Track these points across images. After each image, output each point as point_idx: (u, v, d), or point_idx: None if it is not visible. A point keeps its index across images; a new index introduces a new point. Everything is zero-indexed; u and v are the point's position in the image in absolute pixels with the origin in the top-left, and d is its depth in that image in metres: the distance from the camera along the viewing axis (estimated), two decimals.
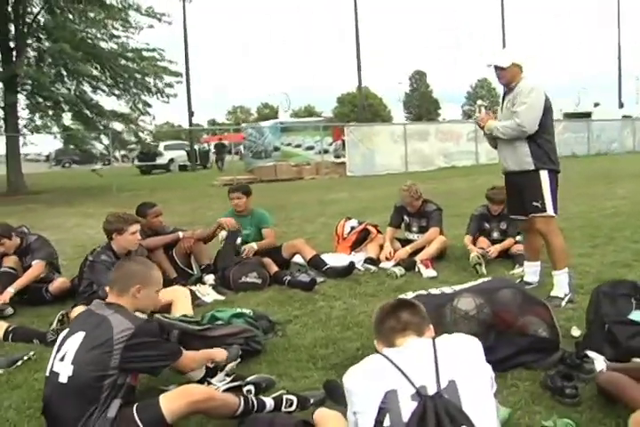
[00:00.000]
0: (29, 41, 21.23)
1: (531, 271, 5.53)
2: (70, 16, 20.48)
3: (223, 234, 6.44)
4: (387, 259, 6.70)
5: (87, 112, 21.88)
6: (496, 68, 5.09)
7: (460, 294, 3.72)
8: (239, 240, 6.49)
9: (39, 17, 21.01)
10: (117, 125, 23.12)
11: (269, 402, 3.20)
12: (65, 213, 14.60)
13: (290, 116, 34.31)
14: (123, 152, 38.60)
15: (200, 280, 6.06)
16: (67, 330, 3.05)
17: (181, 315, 4.59)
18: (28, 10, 20.98)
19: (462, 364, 2.25)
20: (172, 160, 34.92)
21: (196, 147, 37.12)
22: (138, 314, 3.41)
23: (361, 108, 39.09)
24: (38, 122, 21.81)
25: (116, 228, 5.12)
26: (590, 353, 3.64)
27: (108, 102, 27.75)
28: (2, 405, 3.61)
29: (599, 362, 3.53)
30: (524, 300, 3.86)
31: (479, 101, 5.68)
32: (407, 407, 2.09)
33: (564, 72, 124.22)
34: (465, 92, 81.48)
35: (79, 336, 2.89)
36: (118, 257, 5.10)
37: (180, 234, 6.16)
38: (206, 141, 49.51)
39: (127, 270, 3.23)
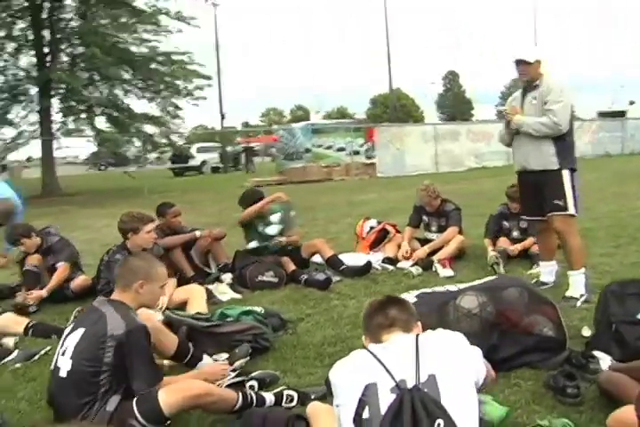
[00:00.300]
0: (63, 46, 21.65)
1: (546, 271, 5.49)
2: (102, 21, 20.83)
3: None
4: (404, 257, 6.71)
5: (119, 115, 22.22)
6: (520, 63, 5.03)
7: (463, 292, 3.72)
8: (292, 213, 6.69)
9: (72, 22, 21.44)
10: (149, 128, 23.43)
11: (269, 398, 3.24)
12: (96, 215, 14.84)
13: (322, 118, 34.41)
14: (155, 154, 39.02)
15: (218, 279, 6.15)
16: (71, 325, 3.13)
17: (195, 312, 4.68)
18: (62, 16, 21.41)
19: (443, 359, 2.27)
20: (204, 162, 35.20)
21: (229, 149, 37.38)
22: (145, 310, 3.50)
23: (392, 108, 39.03)
24: (71, 125, 22.22)
25: (132, 227, 5.23)
26: (597, 353, 3.61)
27: (139, 105, 28.19)
28: (16, 396, 3.74)
29: (605, 362, 3.50)
30: (531, 299, 3.83)
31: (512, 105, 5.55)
32: (385, 400, 2.12)
33: (599, 70, 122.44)
34: (499, 92, 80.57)
35: (79, 332, 2.98)
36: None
37: (198, 233, 6.25)
38: (240, 143, 49.87)
39: (130, 266, 3.28)
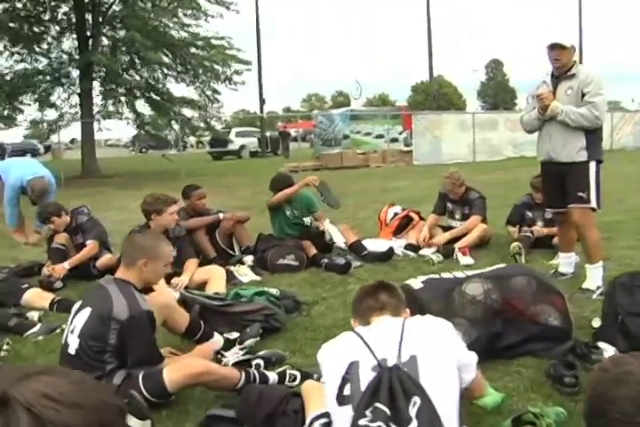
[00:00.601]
0: (104, 30, 21.98)
1: (565, 262, 5.46)
2: (142, 5, 21.08)
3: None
4: (423, 242, 6.76)
5: (158, 99, 22.51)
6: (555, 47, 4.86)
7: (470, 278, 3.75)
8: (331, 195, 6.97)
9: (114, 6, 21.74)
10: (187, 112, 23.70)
11: (273, 376, 3.33)
12: (132, 196, 15.04)
13: (363, 105, 34.20)
14: (195, 139, 39.43)
15: (240, 261, 6.26)
16: (79, 303, 3.24)
17: (214, 293, 4.80)
18: (104, 0, 21.72)
19: (426, 342, 2.32)
20: (242, 146, 35.40)
21: (268, 134, 37.53)
22: (162, 287, 3.59)
23: (432, 96, 38.69)
24: (111, 108, 22.61)
25: (155, 209, 5.36)
26: (601, 344, 3.61)
27: (178, 89, 28.38)
28: None
29: (608, 353, 3.50)
30: (539, 288, 3.83)
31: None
32: (366, 378, 2.19)
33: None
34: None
35: (87, 312, 3.08)
36: None
37: (221, 215, 6.38)
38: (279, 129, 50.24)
39: (135, 244, 3.35)
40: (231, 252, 6.49)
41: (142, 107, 23.25)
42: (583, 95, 4.84)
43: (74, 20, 21.64)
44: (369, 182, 16.62)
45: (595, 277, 5.04)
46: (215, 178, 19.62)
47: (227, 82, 22.45)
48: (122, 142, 64.33)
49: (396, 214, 7.40)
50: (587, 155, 4.90)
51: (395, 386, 2.11)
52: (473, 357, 2.51)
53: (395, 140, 26.98)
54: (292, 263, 6.18)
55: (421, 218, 7.33)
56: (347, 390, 2.21)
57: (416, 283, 3.76)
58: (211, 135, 30.59)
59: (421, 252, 6.67)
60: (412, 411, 2.08)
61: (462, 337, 3.52)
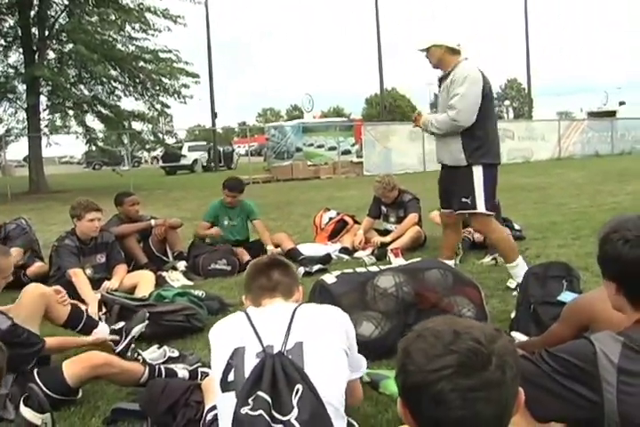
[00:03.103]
0: (51, 43, 21.67)
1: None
2: (89, 18, 20.89)
3: None
4: (359, 244, 6.85)
5: (107, 113, 22.28)
6: (422, 51, 4.80)
7: (382, 272, 3.79)
8: None
9: (60, 20, 21.50)
10: (137, 126, 23.48)
11: (183, 373, 3.30)
12: None
13: (319, 118, 34.33)
14: (153, 154, 39.11)
15: (173, 267, 6.23)
16: None
17: (142, 296, 4.77)
18: (50, 13, 21.47)
19: (314, 329, 2.26)
20: (195, 161, 35.29)
21: (221, 148, 37.42)
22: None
23: (382, 108, 39.10)
24: (58, 122, 22.25)
25: (75, 214, 5.28)
26: (515, 334, 3.67)
27: (127, 103, 27.87)
28: None
29: None
30: (455, 280, 3.91)
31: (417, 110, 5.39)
32: (250, 364, 2.14)
33: (595, 71, 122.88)
34: (494, 93, 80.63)
35: None
36: (82, 241, 5.30)
37: (153, 222, 6.35)
38: (237, 143, 50.40)
39: None
40: (164, 258, 6.47)
41: (92, 121, 23.01)
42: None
43: (19, 33, 21.34)
44: (318, 193, 16.70)
45: (516, 275, 4.97)
46: (165, 191, 19.52)
47: (175, 95, 22.32)
48: (76, 160, 63.63)
49: (330, 219, 7.46)
50: (465, 158, 4.75)
51: (277, 374, 2.07)
52: (362, 360, 2.50)
53: (347, 152, 27.13)
54: (225, 268, 6.19)
55: (356, 222, 7.40)
56: (230, 377, 2.16)
57: (330, 278, 3.79)
58: (162, 150, 30.33)
59: (356, 254, 6.73)
60: (294, 399, 2.05)
61: (375, 329, 3.60)
